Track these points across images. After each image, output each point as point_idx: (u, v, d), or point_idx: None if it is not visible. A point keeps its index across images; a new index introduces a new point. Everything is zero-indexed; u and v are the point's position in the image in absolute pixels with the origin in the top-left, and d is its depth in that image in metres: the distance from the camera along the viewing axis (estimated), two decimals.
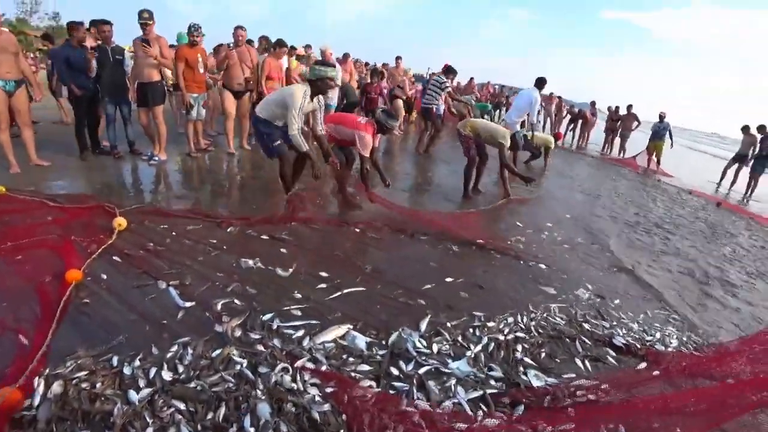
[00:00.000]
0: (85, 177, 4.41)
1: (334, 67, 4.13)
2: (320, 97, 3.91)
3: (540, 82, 7.27)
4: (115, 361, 1.77)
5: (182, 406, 1.59)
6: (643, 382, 2.24)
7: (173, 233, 3.12)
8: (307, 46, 8.50)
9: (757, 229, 6.84)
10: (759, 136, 9.51)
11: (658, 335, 2.80)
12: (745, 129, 9.91)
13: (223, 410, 1.60)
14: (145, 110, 5.17)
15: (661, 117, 11.43)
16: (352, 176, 4.76)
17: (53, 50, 6.31)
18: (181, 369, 1.78)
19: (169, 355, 1.85)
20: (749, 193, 9.53)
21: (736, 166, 10.19)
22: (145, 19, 4.82)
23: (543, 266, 3.55)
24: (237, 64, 5.71)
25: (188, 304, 2.27)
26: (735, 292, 3.96)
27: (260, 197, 4.38)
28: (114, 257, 2.67)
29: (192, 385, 1.70)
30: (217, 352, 1.89)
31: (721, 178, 10.54)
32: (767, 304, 3.84)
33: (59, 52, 4.92)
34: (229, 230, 3.31)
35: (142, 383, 1.67)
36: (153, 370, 1.74)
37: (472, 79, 15.03)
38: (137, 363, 1.77)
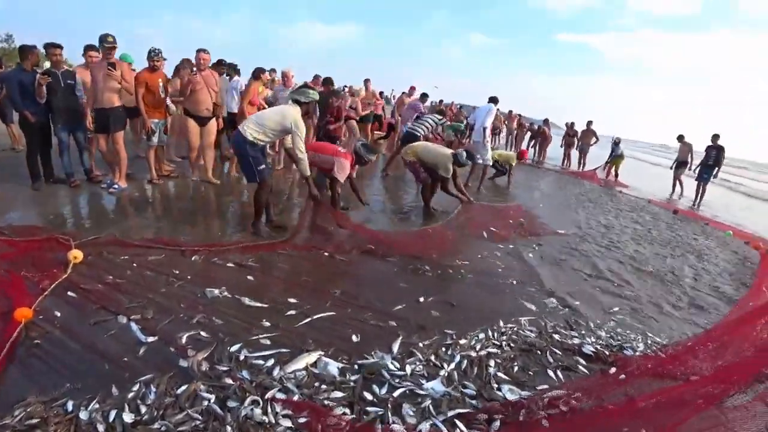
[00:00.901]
0: (38, 207, 4.18)
1: (316, 91, 4.22)
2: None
3: (494, 100, 7.60)
4: (69, 406, 1.66)
5: None
6: (613, 388, 2.29)
7: (134, 264, 2.99)
8: (272, 70, 8.50)
9: (711, 233, 7.25)
10: (691, 144, 10.26)
11: (625, 341, 2.89)
12: (681, 138, 10.68)
13: None
14: (105, 136, 5.01)
15: (617, 142, 12.15)
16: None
17: (4, 74, 6.04)
18: (143, 409, 1.69)
19: (130, 395, 1.76)
20: (698, 199, 10.14)
21: (679, 172, 10.90)
22: (111, 43, 4.72)
23: (513, 281, 3.62)
24: (204, 89, 5.43)
25: (150, 339, 2.17)
26: (696, 294, 4.16)
27: (226, 224, 4.28)
28: (69, 293, 2.52)
29: (156, 426, 1.61)
30: (183, 388, 1.81)
31: (673, 188, 11.21)
32: (721, 303, 4.04)
33: (11, 76, 4.72)
34: (193, 259, 3.20)
35: (101, 428, 1.57)
36: (113, 413, 1.64)
37: (441, 101, 15.45)
38: (95, 406, 1.67)
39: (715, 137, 9.92)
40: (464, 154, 5.38)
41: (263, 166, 3.91)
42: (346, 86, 10.32)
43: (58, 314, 2.30)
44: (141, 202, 4.75)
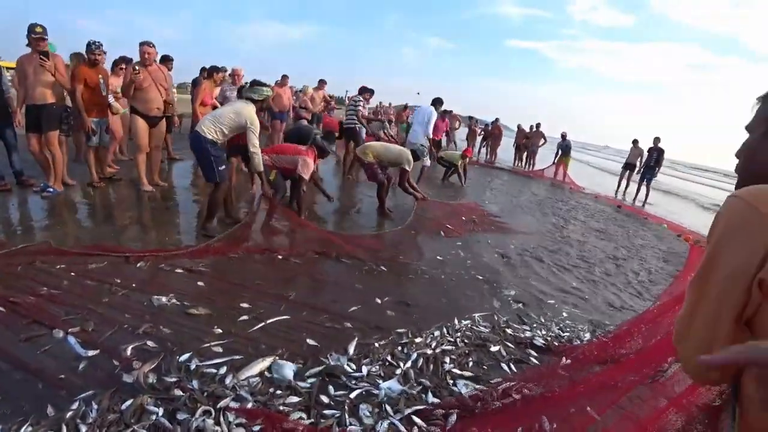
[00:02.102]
0: None
1: (270, 87, 4.25)
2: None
3: (436, 102, 7.83)
4: None
5: None
6: (559, 375, 2.41)
7: (72, 274, 2.79)
8: (222, 68, 8.14)
9: (650, 227, 7.78)
10: (645, 148, 10.97)
11: (573, 332, 3.04)
12: (635, 142, 11.40)
13: None
14: (37, 136, 4.62)
15: (563, 136, 12.80)
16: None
17: None
18: (84, 429, 1.58)
19: (68, 414, 1.64)
20: (645, 198, 10.87)
21: (627, 173, 11.66)
22: (39, 34, 4.36)
23: (468, 278, 3.71)
24: (152, 85, 5.03)
25: (91, 353, 2.03)
26: (637, 282, 4.46)
27: (174, 228, 4.10)
28: None
29: None
30: (128, 403, 1.71)
31: (618, 186, 11.97)
32: (657, 288, 4.36)
33: None
34: (138, 266, 3.04)
35: None
36: None
37: (390, 104, 15.64)
38: (27, 430, 1.55)
39: (656, 140, 10.66)
40: (424, 149, 5.75)
41: (224, 167, 3.94)
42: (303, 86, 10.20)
43: None
44: (80, 207, 4.45)
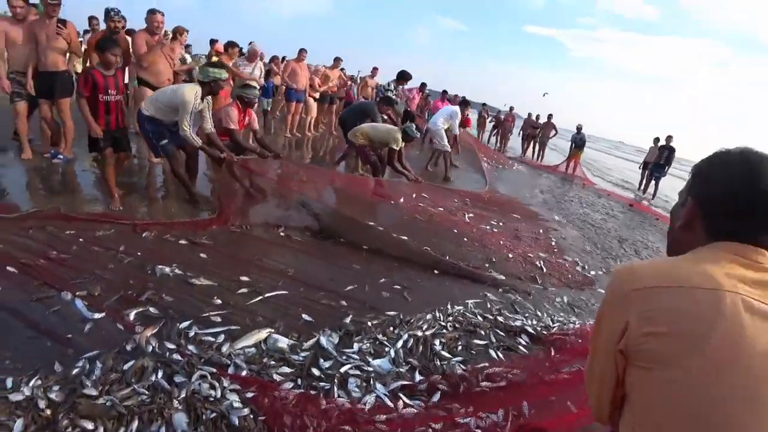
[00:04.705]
0: None
1: (225, 69, 4.05)
2: (208, 97, 3.90)
3: (464, 103, 8.04)
4: (9, 383, 1.63)
5: (90, 426, 1.51)
6: (544, 365, 2.49)
7: (80, 240, 2.89)
8: (233, 44, 7.85)
9: (661, 228, 7.74)
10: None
11: (564, 323, 3.11)
12: (656, 140, 11.08)
13: (135, 424, 1.55)
14: (49, 103, 4.64)
15: (579, 128, 12.50)
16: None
17: None
18: (88, 385, 1.68)
19: (74, 371, 1.75)
20: (653, 196, 10.77)
21: (646, 170, 11.36)
22: (55, 0, 4.34)
23: (467, 266, 3.76)
24: (162, 56, 4.95)
25: (97, 316, 2.14)
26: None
27: (180, 201, 4.18)
28: (8, 268, 2.42)
29: (101, 401, 1.62)
30: (129, 364, 1.82)
31: (639, 185, 11.80)
32: None
33: None
34: (144, 235, 3.14)
35: (42, 404, 1.57)
36: (55, 389, 1.63)
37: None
38: (37, 383, 1.65)
39: (669, 138, 10.49)
40: (413, 126, 5.53)
41: (165, 141, 3.86)
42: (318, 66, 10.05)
43: None
44: (89, 176, 4.54)
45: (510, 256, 4.24)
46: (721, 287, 0.71)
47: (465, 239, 4.42)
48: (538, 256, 4.40)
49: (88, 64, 4.76)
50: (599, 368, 0.82)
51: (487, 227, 4.98)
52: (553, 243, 5.06)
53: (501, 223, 5.25)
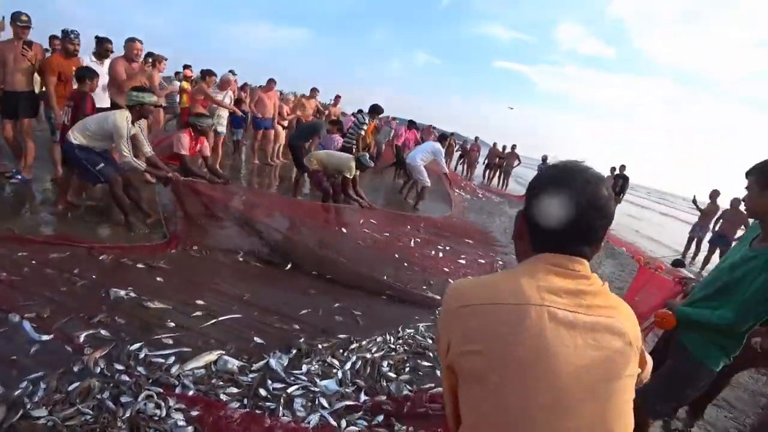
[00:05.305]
0: None
1: (151, 92, 4.07)
2: (141, 121, 3.97)
3: (442, 138, 8.20)
4: None
5: None
6: None
7: (33, 262, 2.88)
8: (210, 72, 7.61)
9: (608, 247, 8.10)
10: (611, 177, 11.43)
11: None
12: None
13: None
14: (12, 122, 4.64)
15: (544, 159, 13.12)
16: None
17: None
18: (29, 406, 1.70)
19: (16, 392, 1.76)
20: None
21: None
22: (25, 23, 4.41)
23: (421, 291, 3.90)
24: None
25: (45, 338, 2.15)
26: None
27: (139, 224, 4.17)
28: None
29: (42, 420, 1.64)
30: (75, 384, 1.84)
31: None
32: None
33: None
34: (101, 258, 3.15)
35: None
36: None
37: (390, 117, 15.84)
38: None
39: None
40: (367, 156, 5.70)
41: (102, 165, 3.81)
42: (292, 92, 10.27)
43: None
44: (46, 197, 4.48)
45: (450, 280, 4.37)
46: (527, 301, 0.73)
47: (405, 264, 4.53)
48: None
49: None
50: (444, 384, 0.85)
51: (431, 252, 5.13)
52: (500, 263, 5.28)
53: (448, 248, 5.40)
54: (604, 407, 0.73)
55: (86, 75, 4.32)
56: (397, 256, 4.71)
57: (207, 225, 4.28)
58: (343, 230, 5.11)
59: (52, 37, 6.80)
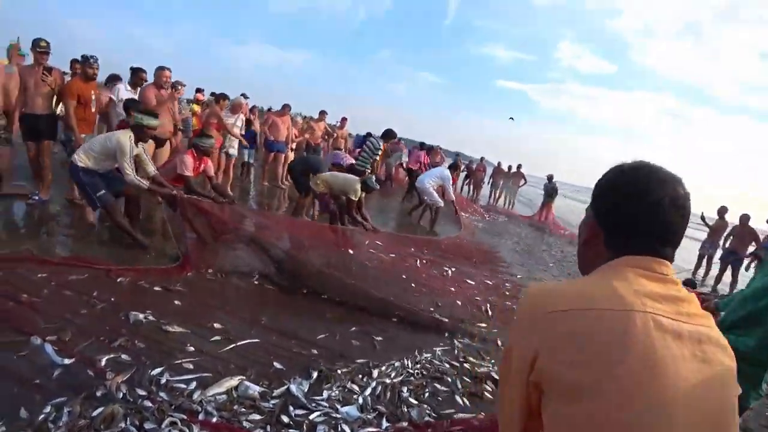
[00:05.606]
0: None
1: (155, 116, 4.08)
2: (141, 143, 4.00)
3: (454, 167, 8.13)
4: None
5: None
6: None
7: (52, 283, 2.90)
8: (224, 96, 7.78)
9: None
10: None
11: None
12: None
13: None
14: (34, 144, 4.75)
15: (550, 178, 13.07)
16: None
17: None
18: None
19: (40, 417, 1.75)
20: None
21: None
22: (44, 48, 4.57)
23: (436, 315, 3.86)
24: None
25: (67, 361, 2.14)
26: None
27: (157, 247, 4.20)
28: None
29: None
30: (99, 410, 1.83)
31: None
32: None
33: None
34: (119, 281, 3.16)
35: None
36: None
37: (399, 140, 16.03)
38: (0, 429, 1.65)
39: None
40: (373, 178, 5.69)
41: (102, 192, 3.86)
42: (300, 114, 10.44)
43: None
44: (63, 218, 4.53)
45: (458, 302, 4.31)
46: (631, 307, 0.67)
47: (413, 284, 4.48)
48: (487, 299, 4.49)
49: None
50: (514, 405, 0.76)
51: (436, 272, 5.10)
52: (507, 286, 5.23)
53: (454, 269, 5.36)
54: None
55: (131, 107, 4.58)
56: (404, 276, 4.68)
57: (217, 247, 4.28)
58: (350, 251, 5.11)
59: (74, 61, 6.98)
